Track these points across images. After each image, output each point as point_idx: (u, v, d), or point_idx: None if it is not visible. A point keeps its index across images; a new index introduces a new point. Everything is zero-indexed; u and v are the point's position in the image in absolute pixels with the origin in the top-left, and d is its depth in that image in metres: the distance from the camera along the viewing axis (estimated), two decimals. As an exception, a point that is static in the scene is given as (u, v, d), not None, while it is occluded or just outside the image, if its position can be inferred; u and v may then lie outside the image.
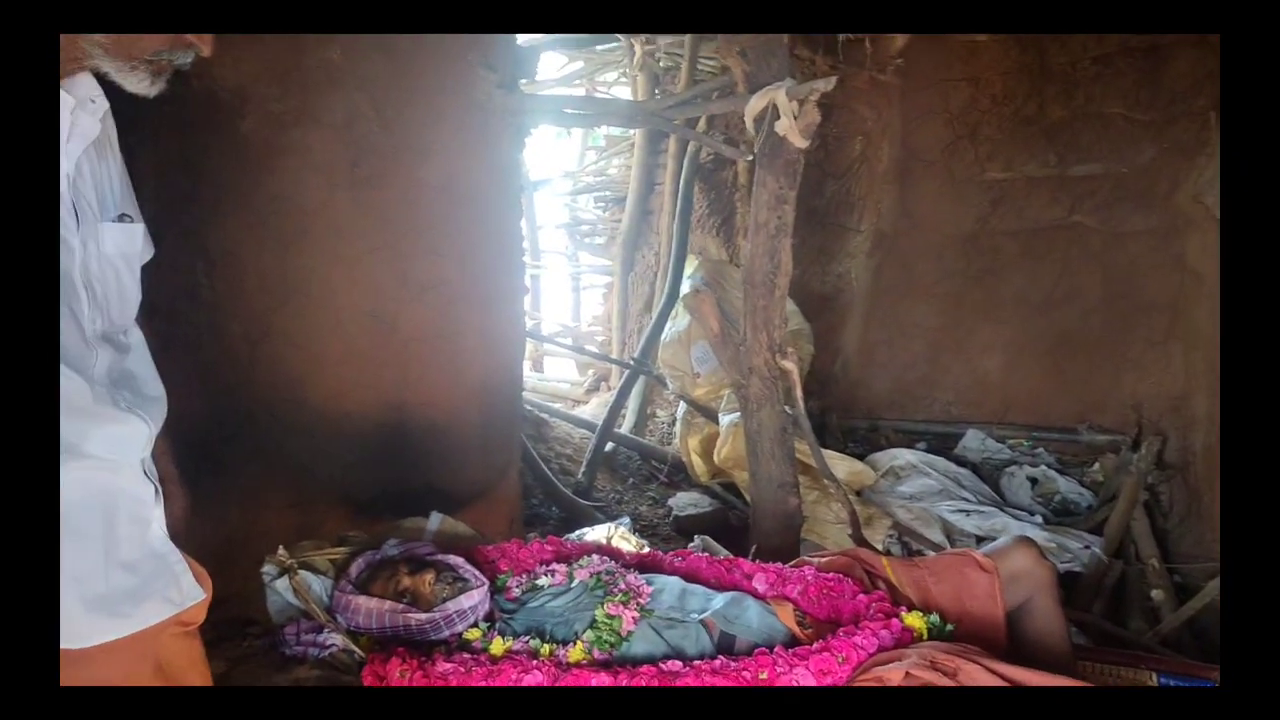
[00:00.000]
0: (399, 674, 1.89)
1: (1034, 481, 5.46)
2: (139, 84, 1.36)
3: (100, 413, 1.38)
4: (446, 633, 2.09)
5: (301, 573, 2.20)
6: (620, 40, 6.41)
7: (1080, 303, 5.79)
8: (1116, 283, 5.63)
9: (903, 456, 5.53)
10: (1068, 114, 5.60)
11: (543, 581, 2.27)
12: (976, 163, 5.95)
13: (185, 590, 1.49)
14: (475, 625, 2.12)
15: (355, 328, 3.05)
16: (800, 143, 2.82)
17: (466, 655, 1.96)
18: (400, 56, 3.00)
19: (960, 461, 5.65)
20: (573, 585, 2.23)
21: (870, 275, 6.39)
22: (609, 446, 5.83)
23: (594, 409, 7.01)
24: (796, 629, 2.08)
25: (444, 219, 3.19)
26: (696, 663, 1.86)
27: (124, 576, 1.40)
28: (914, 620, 2.05)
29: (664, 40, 6.52)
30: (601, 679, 1.80)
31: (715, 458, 5.31)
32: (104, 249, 1.44)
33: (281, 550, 2.24)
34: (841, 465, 5.07)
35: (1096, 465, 5.59)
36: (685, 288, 6.08)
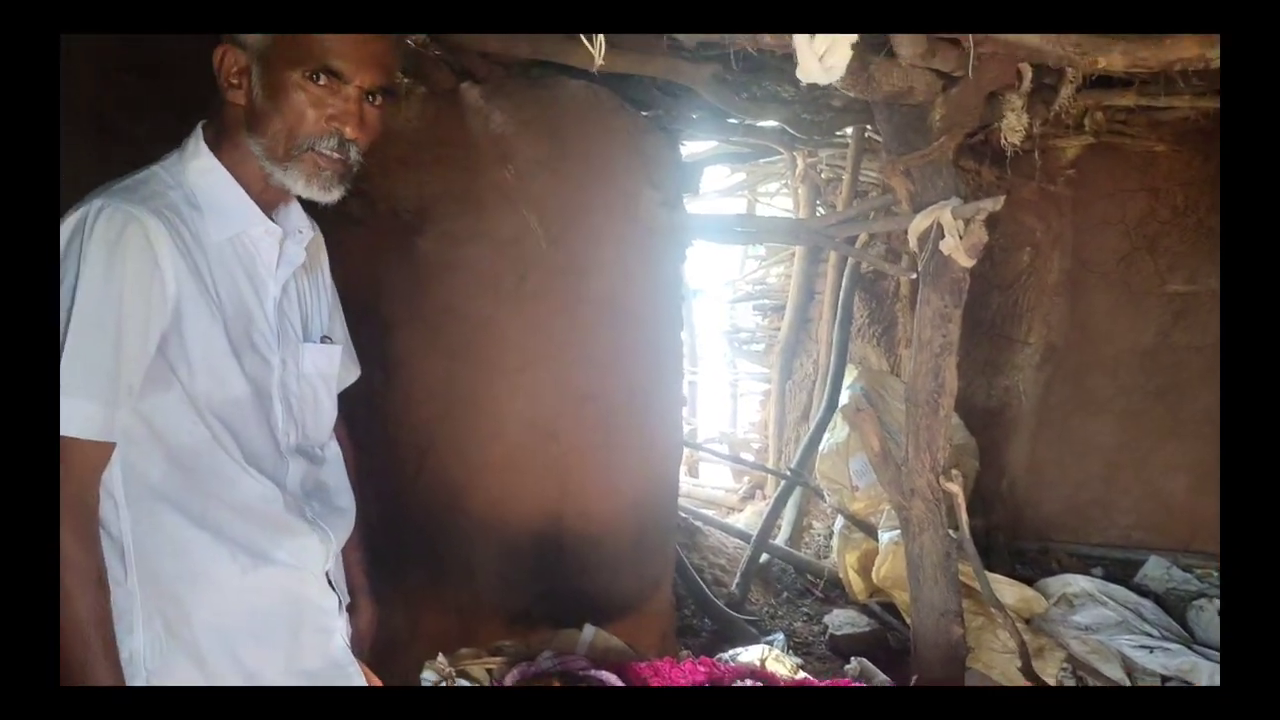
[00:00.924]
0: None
1: (1226, 617, 4.99)
2: (307, 188, 1.43)
3: (289, 523, 1.46)
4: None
5: (460, 682, 2.24)
6: (783, 153, 6.51)
7: (1274, 421, 5.37)
8: (1313, 399, 5.20)
9: (1077, 583, 5.15)
10: (1256, 226, 5.30)
11: None
12: (1156, 275, 5.69)
13: (359, 700, 1.54)
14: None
15: (516, 437, 3.12)
16: (966, 262, 2.77)
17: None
18: (568, 177, 3.13)
19: (1142, 591, 5.21)
20: None
21: (1039, 389, 6.13)
22: (763, 558, 5.71)
23: (748, 518, 6.91)
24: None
25: (605, 331, 3.26)
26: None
27: (303, 683, 1.46)
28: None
29: (825, 153, 6.58)
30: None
31: (874, 576, 5.10)
32: (303, 368, 1.54)
33: (441, 657, 2.29)
34: (1010, 591, 4.77)
35: (1298, 600, 5.08)
36: (844, 398, 5.97)
